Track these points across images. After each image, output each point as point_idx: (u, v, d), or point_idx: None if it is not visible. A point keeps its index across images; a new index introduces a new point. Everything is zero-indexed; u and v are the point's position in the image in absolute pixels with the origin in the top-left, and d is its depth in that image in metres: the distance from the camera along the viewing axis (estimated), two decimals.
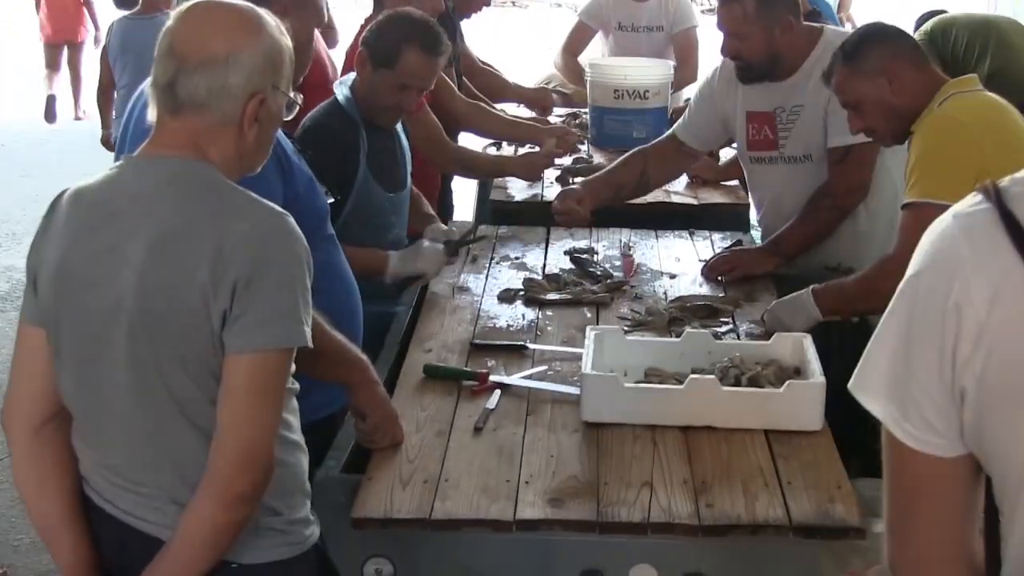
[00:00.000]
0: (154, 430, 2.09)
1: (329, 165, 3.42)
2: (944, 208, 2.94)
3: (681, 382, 2.95)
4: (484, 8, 5.56)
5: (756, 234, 4.40)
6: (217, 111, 2.11)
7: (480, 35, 6.81)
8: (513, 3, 26.20)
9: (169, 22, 2.16)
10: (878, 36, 3.31)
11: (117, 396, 2.09)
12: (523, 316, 3.58)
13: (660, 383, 3.00)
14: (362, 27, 4.38)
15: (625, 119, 5.33)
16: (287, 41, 2.22)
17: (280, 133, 2.82)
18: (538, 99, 5.79)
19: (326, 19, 2.98)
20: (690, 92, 6.15)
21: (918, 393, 1.43)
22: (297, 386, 2.26)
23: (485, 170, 4.85)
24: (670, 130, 4.38)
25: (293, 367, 2.13)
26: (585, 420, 2.88)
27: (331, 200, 3.00)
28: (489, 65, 5.87)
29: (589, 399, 2.88)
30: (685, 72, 6.04)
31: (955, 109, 3.16)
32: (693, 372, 3.03)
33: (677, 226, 4.42)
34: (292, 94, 2.28)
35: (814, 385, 2.86)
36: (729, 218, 4.67)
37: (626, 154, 4.35)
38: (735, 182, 4.93)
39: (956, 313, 1.39)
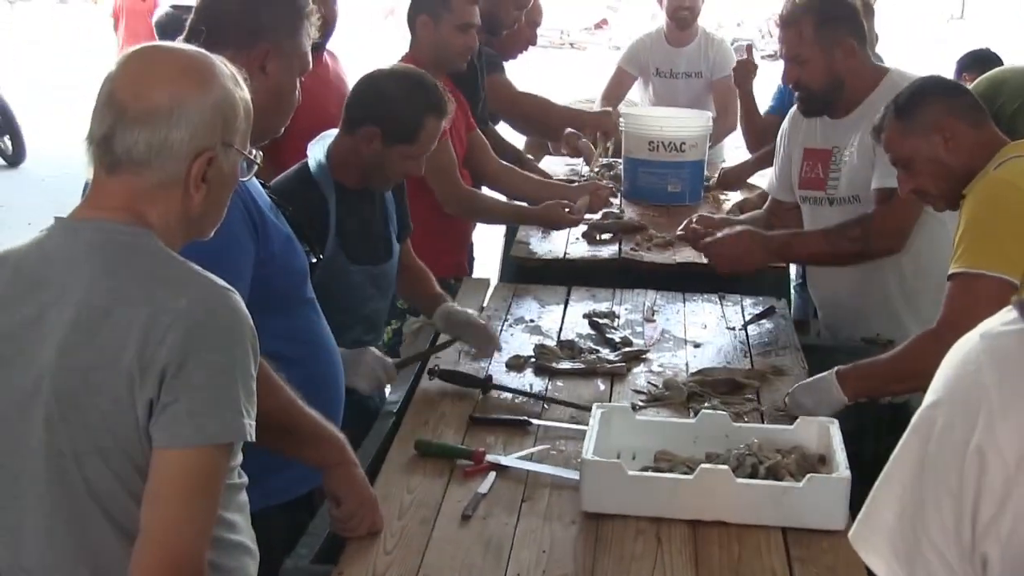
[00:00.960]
0: (71, 530, 1.86)
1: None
2: (997, 282, 2.69)
3: (693, 469, 2.69)
4: (530, 48, 5.32)
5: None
6: (158, 170, 1.89)
7: (528, 77, 6.55)
8: (572, 45, 26.03)
9: (111, 67, 1.94)
10: (935, 90, 3.07)
11: (33, 489, 1.86)
12: (531, 386, 3.33)
13: (670, 470, 2.74)
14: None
15: (660, 172, 5.08)
16: (243, 93, 2.00)
17: (257, 185, 2.60)
18: (598, 123, 5.49)
19: (311, 66, 2.75)
20: (730, 143, 5.96)
21: (930, 554, 1.18)
22: (244, 480, 2.03)
23: (500, 216, 4.61)
24: (769, 193, 4.26)
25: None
26: (584, 510, 2.62)
27: (313, 260, 2.77)
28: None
29: (589, 487, 2.63)
30: (725, 121, 5.81)
31: (1013, 173, 2.90)
32: (707, 457, 2.78)
33: (708, 290, 4.15)
34: (251, 152, 2.05)
35: (838, 480, 2.59)
36: (764, 281, 4.39)
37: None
38: None
39: (978, 459, 1.14)
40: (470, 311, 3.57)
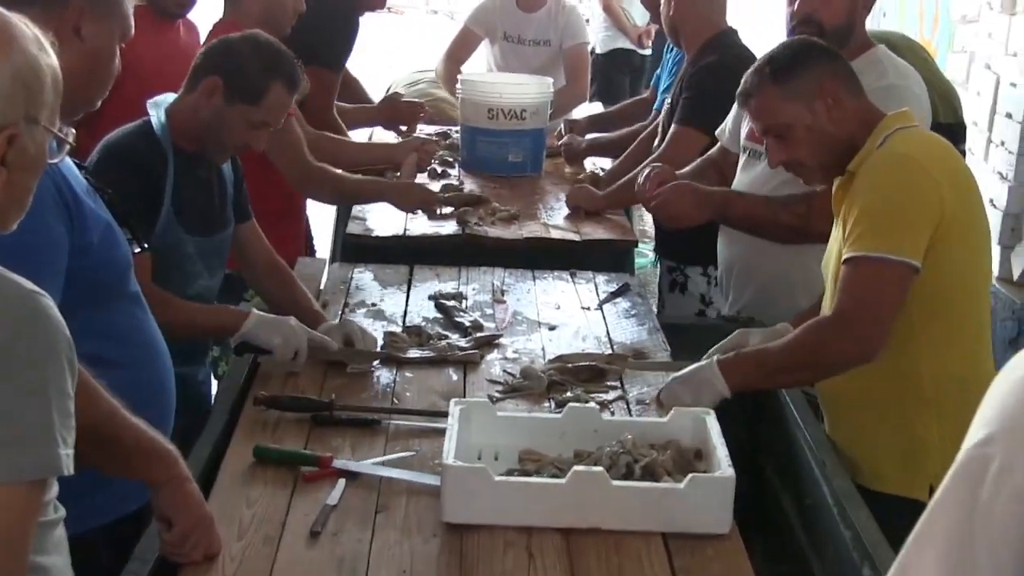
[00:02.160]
0: None
1: (137, 199, 2.88)
2: (902, 267, 2.46)
3: (562, 470, 2.47)
4: (378, 10, 4.96)
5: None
6: None
7: None
8: (388, 9, 25.54)
9: None
10: (815, 53, 2.85)
11: None
12: (378, 379, 3.05)
13: (537, 471, 2.50)
14: (213, 31, 3.83)
15: (500, 141, 4.84)
16: (50, 60, 1.67)
17: (71, 166, 2.27)
18: (391, 114, 5.20)
19: (132, 31, 2.42)
20: (578, 113, 5.75)
21: None
22: (61, 514, 1.72)
23: (360, 193, 4.24)
24: (718, 144, 3.92)
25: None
26: (446, 520, 2.37)
27: (137, 249, 2.44)
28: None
29: (451, 496, 2.37)
30: (575, 90, 5.60)
31: (908, 147, 2.71)
32: (577, 456, 2.57)
33: (557, 266, 3.92)
34: (62, 129, 1.73)
35: (722, 480, 2.38)
36: (615, 257, 4.20)
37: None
38: (621, 214, 4.46)
39: None
40: (354, 326, 3.23)
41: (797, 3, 3.35)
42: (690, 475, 2.39)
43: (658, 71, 5.27)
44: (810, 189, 3.18)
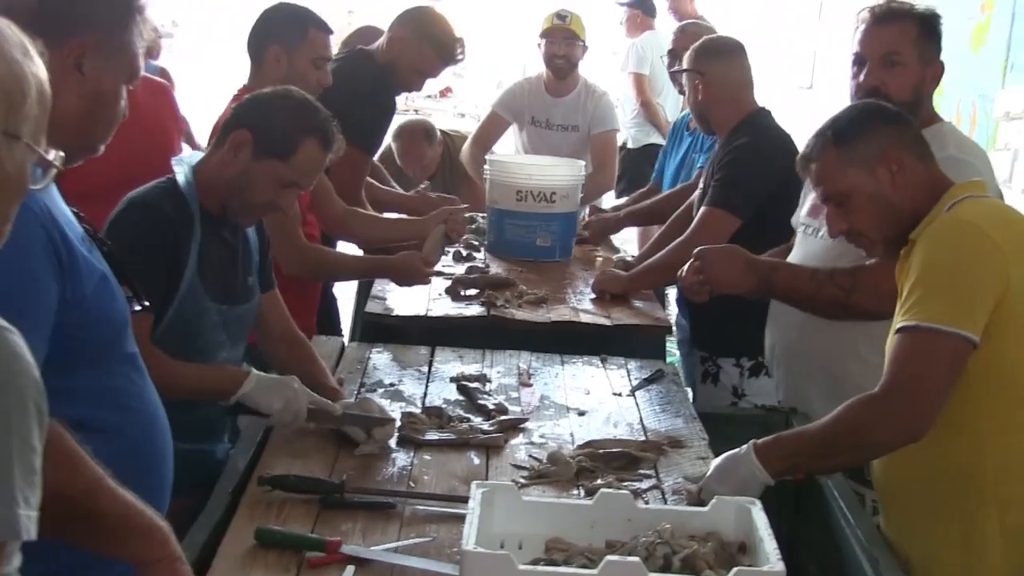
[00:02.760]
0: None
1: (152, 259, 2.73)
2: (956, 339, 2.20)
3: (593, 560, 2.24)
4: (414, 90, 4.80)
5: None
6: None
7: None
8: (416, 112, 25.58)
9: None
10: (880, 117, 2.65)
11: None
12: (394, 461, 2.83)
13: (565, 562, 2.27)
14: (237, 97, 3.67)
15: (528, 224, 4.65)
16: (37, 70, 1.49)
17: (64, 210, 2.08)
18: (423, 205, 5.02)
19: (139, 78, 2.25)
20: (607, 202, 5.58)
21: None
22: None
23: (348, 272, 4.10)
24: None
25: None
26: None
27: (138, 307, 2.25)
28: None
29: None
30: (602, 178, 5.43)
31: (974, 215, 2.50)
32: (609, 546, 2.33)
33: (585, 351, 3.71)
34: (48, 152, 1.54)
35: (772, 573, 2.15)
36: (647, 344, 3.98)
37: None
38: (653, 299, 4.25)
39: None
40: (373, 403, 3.02)
41: (864, 75, 3.12)
42: (735, 569, 2.16)
43: (664, 158, 5.15)
44: (860, 262, 2.98)
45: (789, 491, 2.96)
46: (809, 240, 3.35)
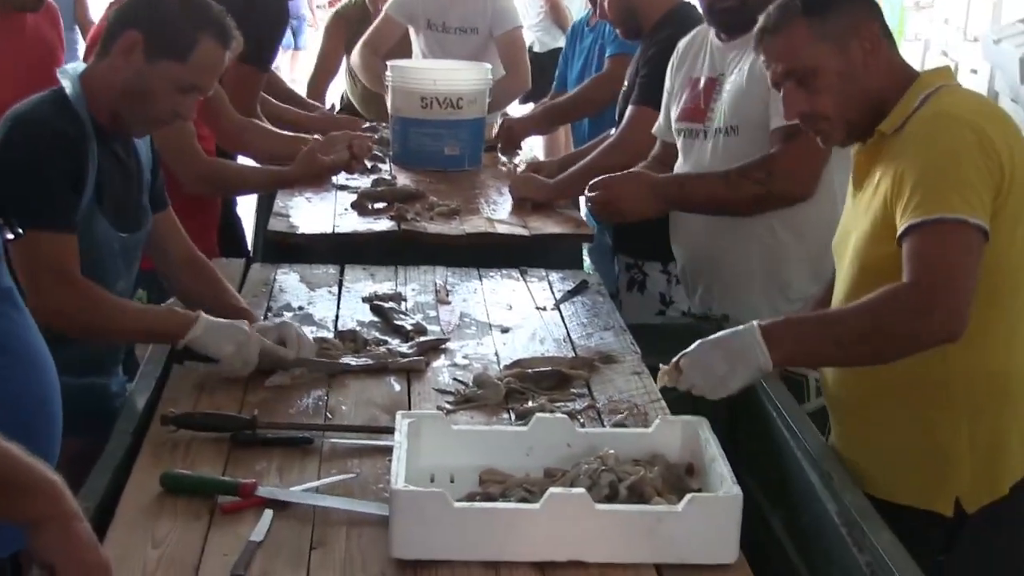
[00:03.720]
0: None
1: (57, 178, 2.50)
2: (973, 228, 1.87)
3: (532, 492, 2.07)
4: None
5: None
6: None
7: None
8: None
9: None
10: None
11: None
12: (308, 392, 2.62)
13: (503, 495, 2.09)
14: (112, 4, 3.38)
15: (435, 132, 4.42)
16: None
17: None
18: (328, 126, 4.75)
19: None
20: (519, 108, 5.36)
21: None
22: None
23: (252, 183, 3.84)
24: (658, 136, 3.55)
25: None
26: (396, 556, 1.96)
27: (10, 235, 2.00)
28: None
29: (402, 527, 1.96)
30: (515, 80, 5.16)
31: (959, 108, 2.30)
32: (548, 475, 2.16)
33: (504, 264, 3.51)
34: None
35: (728, 500, 1.99)
36: (568, 254, 3.80)
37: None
38: (571, 207, 4.06)
39: None
40: (292, 328, 2.79)
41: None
42: (688, 495, 1.99)
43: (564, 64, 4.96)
44: (764, 154, 2.95)
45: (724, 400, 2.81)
46: (692, 143, 3.25)
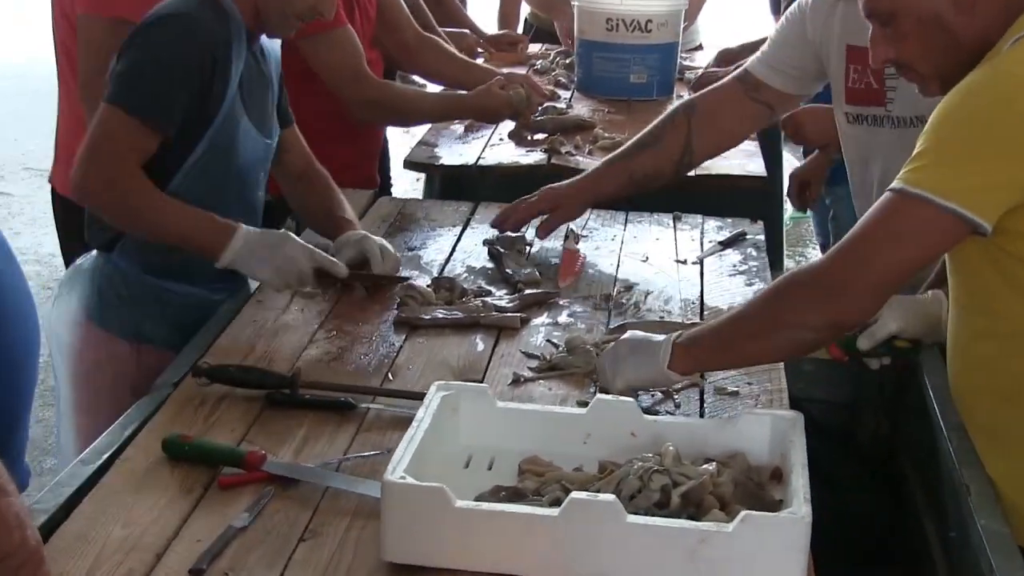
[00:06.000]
0: None
1: (183, 79, 2.34)
2: (950, 213, 1.74)
3: (570, 491, 1.71)
4: None
5: None
6: None
7: None
8: None
9: None
10: None
11: None
12: (382, 345, 2.34)
13: (537, 492, 1.76)
14: None
15: (620, 58, 4.03)
16: None
17: None
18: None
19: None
20: (705, 23, 4.89)
21: None
22: None
23: (424, 110, 3.48)
24: (741, 66, 2.86)
25: None
26: (386, 560, 1.65)
27: None
28: None
29: (393, 527, 1.65)
30: None
31: (1020, 65, 1.82)
32: (602, 469, 1.81)
33: (662, 207, 3.12)
34: None
35: (791, 523, 1.60)
36: (744, 199, 3.35)
37: (668, 113, 2.84)
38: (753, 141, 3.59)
39: None
40: (373, 241, 2.59)
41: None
42: (742, 513, 1.61)
43: None
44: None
45: (888, 378, 2.41)
46: (871, 132, 2.66)
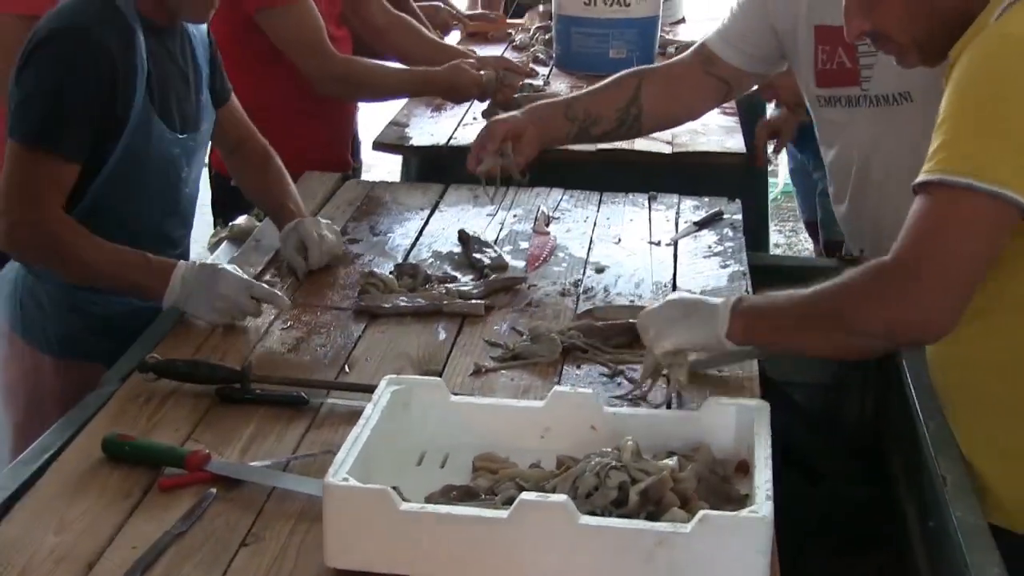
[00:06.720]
0: None
1: (84, 104, 2.23)
2: (988, 200, 1.64)
3: (524, 489, 1.63)
4: None
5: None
6: None
7: None
8: None
9: None
10: None
11: None
12: (341, 335, 2.25)
13: (490, 491, 1.68)
14: None
15: (599, 33, 3.94)
16: None
17: None
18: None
19: None
20: (687, 4, 4.79)
21: None
22: None
23: (392, 85, 3.39)
24: (697, 41, 2.77)
25: None
26: (330, 566, 1.57)
27: None
28: None
29: (336, 531, 1.57)
30: None
31: None
32: (560, 465, 1.73)
33: (647, 188, 3.02)
34: None
35: (749, 523, 1.51)
36: (726, 177, 3.26)
37: (617, 74, 2.77)
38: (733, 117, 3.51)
39: None
40: (309, 227, 2.51)
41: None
42: (700, 513, 1.53)
43: None
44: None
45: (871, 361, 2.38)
46: (848, 113, 2.55)
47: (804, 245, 5.72)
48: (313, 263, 2.46)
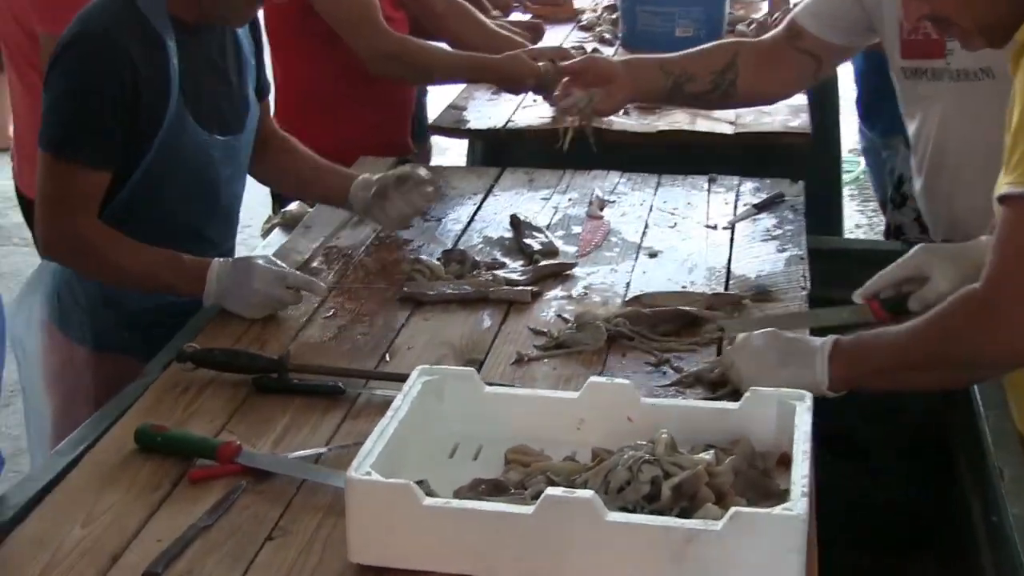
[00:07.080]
0: None
1: (104, 109, 2.20)
2: None
3: (555, 483, 1.60)
4: None
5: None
6: None
7: None
8: None
9: None
10: None
11: None
12: (384, 323, 2.22)
13: (520, 484, 1.64)
14: None
15: (666, 11, 3.86)
16: None
17: None
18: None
19: None
20: None
21: None
22: None
23: (448, 68, 3.33)
24: (788, 15, 2.73)
25: None
26: (354, 561, 1.54)
27: None
28: None
29: (359, 526, 1.54)
30: None
31: None
32: (595, 457, 1.68)
33: (700, 169, 2.96)
34: None
35: (784, 520, 1.46)
36: (792, 157, 3.17)
37: (714, 42, 2.76)
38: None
39: None
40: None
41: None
42: (732, 510, 1.47)
43: None
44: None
45: None
46: (932, 86, 2.46)
47: None
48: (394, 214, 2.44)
